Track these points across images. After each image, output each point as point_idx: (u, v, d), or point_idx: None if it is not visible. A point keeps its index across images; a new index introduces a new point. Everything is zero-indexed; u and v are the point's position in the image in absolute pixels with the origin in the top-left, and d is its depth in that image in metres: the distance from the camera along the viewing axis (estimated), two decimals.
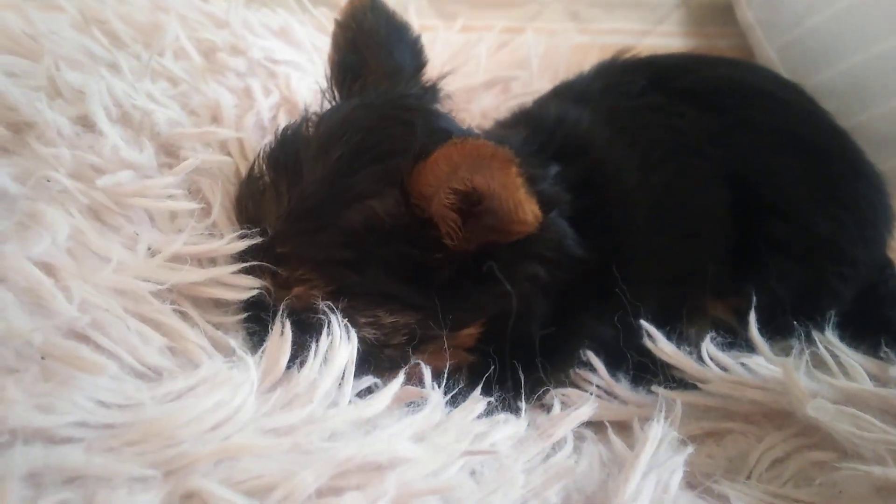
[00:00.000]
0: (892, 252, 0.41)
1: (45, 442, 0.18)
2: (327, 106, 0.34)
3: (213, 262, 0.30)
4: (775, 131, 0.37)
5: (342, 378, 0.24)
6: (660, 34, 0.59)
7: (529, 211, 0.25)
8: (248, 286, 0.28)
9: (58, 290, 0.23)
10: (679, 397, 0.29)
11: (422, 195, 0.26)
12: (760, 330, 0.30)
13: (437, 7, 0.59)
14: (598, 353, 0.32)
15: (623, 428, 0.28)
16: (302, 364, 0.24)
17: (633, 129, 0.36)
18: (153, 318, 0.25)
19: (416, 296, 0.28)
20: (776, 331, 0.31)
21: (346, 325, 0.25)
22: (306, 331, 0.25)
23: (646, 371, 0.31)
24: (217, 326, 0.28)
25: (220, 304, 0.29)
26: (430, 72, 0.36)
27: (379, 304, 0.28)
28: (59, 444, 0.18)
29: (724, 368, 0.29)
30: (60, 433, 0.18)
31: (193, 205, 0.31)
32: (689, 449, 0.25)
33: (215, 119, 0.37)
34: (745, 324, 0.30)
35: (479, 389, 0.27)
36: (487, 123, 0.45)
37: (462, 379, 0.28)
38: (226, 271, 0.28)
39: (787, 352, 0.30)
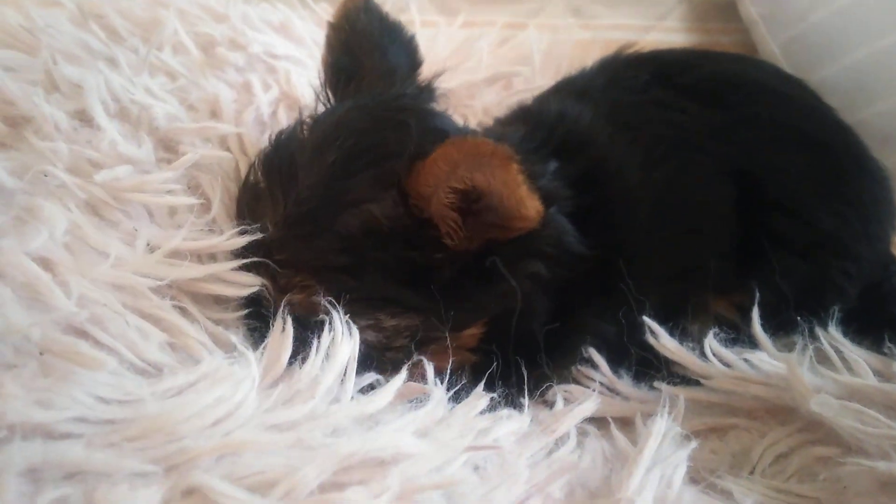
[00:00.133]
0: None
1: (44, 437, 0.18)
2: (322, 108, 0.33)
3: (212, 258, 0.29)
4: (779, 127, 0.36)
5: (344, 374, 0.24)
6: (662, 30, 0.59)
7: (532, 207, 0.25)
8: (248, 283, 0.28)
9: (56, 286, 0.23)
10: (682, 393, 0.29)
11: (421, 195, 0.26)
12: (763, 326, 0.30)
13: (439, 3, 0.58)
14: (600, 350, 0.32)
15: (625, 424, 0.28)
16: (303, 360, 0.24)
17: (636, 125, 0.36)
18: (153, 314, 0.25)
19: (416, 298, 0.27)
20: (779, 327, 0.31)
21: (347, 321, 0.25)
22: (307, 327, 0.25)
23: (649, 367, 0.31)
24: (217, 323, 0.28)
25: (220, 301, 0.29)
26: (431, 69, 0.36)
27: (379, 307, 0.27)
28: (59, 439, 0.18)
29: (727, 364, 0.29)
30: (60, 429, 0.18)
31: (193, 200, 0.30)
32: (693, 444, 0.25)
33: (214, 114, 0.36)
34: (748, 320, 0.30)
35: (481, 385, 0.27)
36: (489, 120, 0.45)
37: (465, 376, 0.28)
38: (226, 268, 0.28)
39: (790, 348, 0.30)
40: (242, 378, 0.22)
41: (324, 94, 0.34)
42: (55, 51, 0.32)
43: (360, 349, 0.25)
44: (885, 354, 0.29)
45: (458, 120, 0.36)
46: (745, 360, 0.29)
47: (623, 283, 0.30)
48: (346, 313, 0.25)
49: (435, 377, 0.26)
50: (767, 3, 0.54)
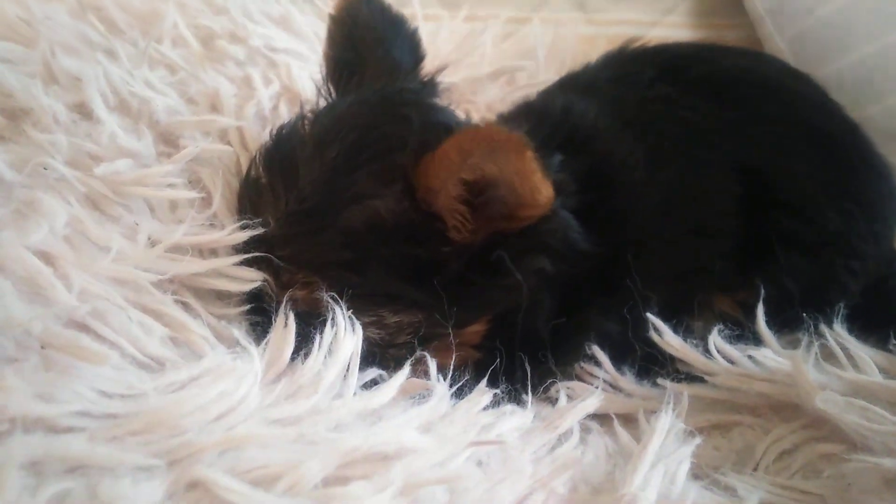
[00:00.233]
0: None
1: (45, 431, 0.18)
2: (323, 103, 0.33)
3: (214, 252, 0.29)
4: (787, 123, 0.36)
5: (347, 370, 0.24)
6: (668, 25, 0.58)
7: (545, 193, 0.25)
8: (250, 278, 0.28)
9: (57, 279, 0.23)
10: (686, 390, 0.28)
11: (429, 188, 0.26)
12: (768, 322, 0.30)
13: None
14: (603, 347, 0.31)
15: (628, 420, 0.28)
16: (306, 356, 0.24)
17: (642, 121, 0.36)
18: (154, 309, 0.25)
19: (419, 294, 0.27)
20: (784, 324, 0.31)
21: (350, 316, 0.25)
22: (310, 323, 0.25)
23: (653, 363, 0.31)
24: (219, 318, 0.28)
25: (221, 296, 0.29)
26: (433, 63, 0.35)
27: (382, 304, 0.27)
28: (61, 433, 0.18)
29: (731, 361, 0.29)
30: (62, 422, 0.18)
31: (193, 194, 0.30)
32: (697, 440, 0.25)
33: (214, 107, 0.36)
34: (752, 317, 0.30)
35: (485, 381, 0.27)
36: (492, 116, 0.44)
37: (468, 371, 0.28)
38: (227, 262, 0.28)
39: (794, 345, 0.29)
40: (245, 373, 0.22)
41: (325, 88, 0.34)
42: (54, 43, 0.32)
43: (362, 346, 0.25)
44: (890, 351, 0.29)
45: (461, 115, 0.36)
46: (750, 357, 0.29)
47: (627, 280, 0.30)
48: (348, 309, 0.25)
49: (438, 373, 0.26)
50: None
